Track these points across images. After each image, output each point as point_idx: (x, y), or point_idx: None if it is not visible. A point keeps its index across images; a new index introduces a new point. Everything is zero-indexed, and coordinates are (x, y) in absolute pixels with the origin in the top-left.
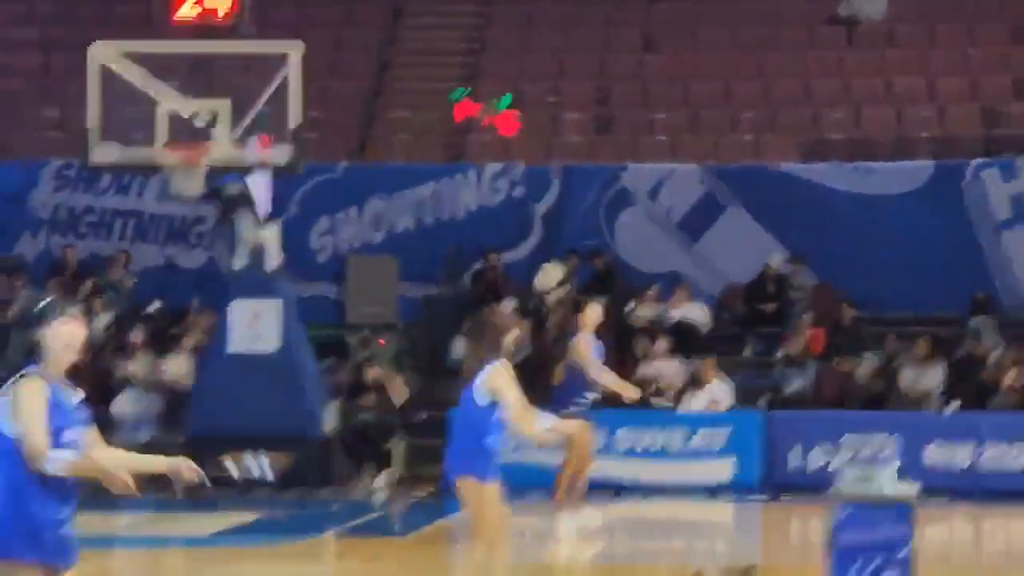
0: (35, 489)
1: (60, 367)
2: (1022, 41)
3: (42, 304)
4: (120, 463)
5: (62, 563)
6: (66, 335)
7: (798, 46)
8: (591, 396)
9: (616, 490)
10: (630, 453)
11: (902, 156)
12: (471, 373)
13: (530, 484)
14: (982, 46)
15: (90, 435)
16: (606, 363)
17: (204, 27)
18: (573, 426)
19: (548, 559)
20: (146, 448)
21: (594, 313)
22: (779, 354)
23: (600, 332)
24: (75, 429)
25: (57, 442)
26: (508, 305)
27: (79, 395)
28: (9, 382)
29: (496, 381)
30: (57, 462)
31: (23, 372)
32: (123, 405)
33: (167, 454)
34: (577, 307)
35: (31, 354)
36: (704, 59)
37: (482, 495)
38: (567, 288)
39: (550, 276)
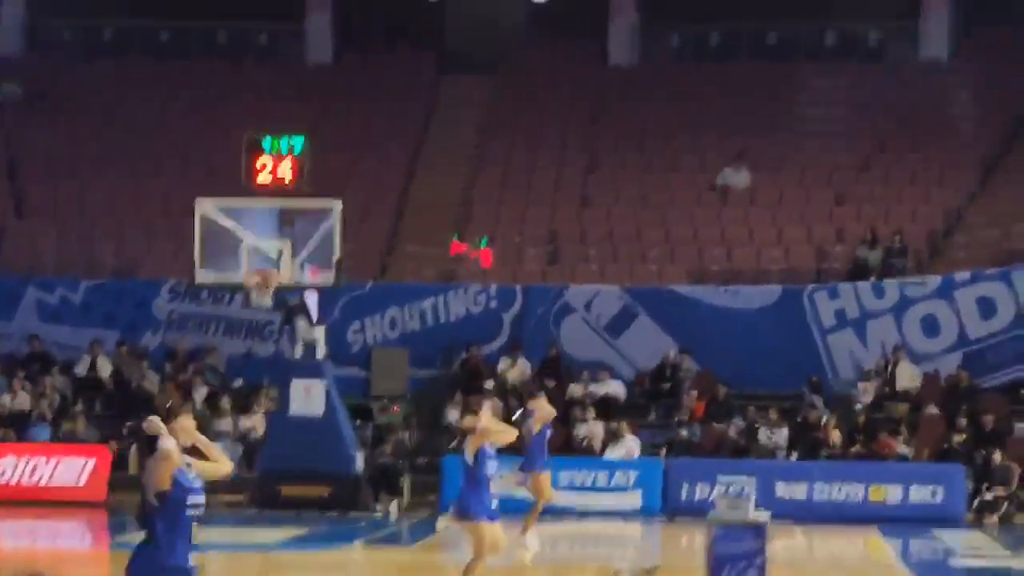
0: (183, 537)
1: (183, 445)
2: (842, 203)
3: (169, 404)
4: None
5: None
6: (188, 425)
7: (688, 205)
8: (547, 462)
9: (560, 513)
10: (569, 487)
11: (759, 281)
12: (461, 441)
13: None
14: (814, 206)
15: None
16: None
17: (275, 188)
18: (540, 481)
19: (515, 562)
20: (228, 482)
21: (542, 401)
22: (675, 418)
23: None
24: (194, 494)
25: (184, 501)
26: (488, 383)
27: (191, 466)
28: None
29: (474, 443)
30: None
31: (158, 452)
32: None
33: (245, 485)
34: (529, 395)
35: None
36: (623, 212)
37: (477, 530)
38: (522, 375)
39: (510, 368)
